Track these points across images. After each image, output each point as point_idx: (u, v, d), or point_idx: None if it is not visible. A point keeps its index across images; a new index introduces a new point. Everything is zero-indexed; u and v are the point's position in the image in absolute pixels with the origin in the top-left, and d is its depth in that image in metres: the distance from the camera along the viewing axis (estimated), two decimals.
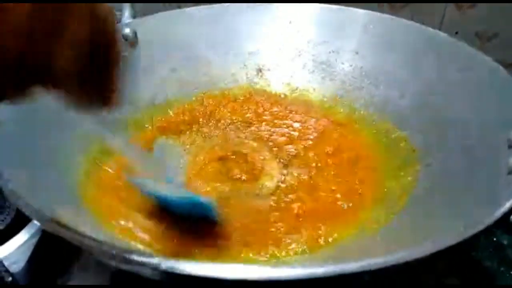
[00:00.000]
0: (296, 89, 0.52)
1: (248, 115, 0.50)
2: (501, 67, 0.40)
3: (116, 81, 0.23)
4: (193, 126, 0.48)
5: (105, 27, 0.21)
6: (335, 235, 0.35)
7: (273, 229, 0.36)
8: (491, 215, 0.27)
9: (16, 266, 0.39)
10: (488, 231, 0.41)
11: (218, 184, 0.40)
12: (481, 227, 0.26)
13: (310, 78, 0.52)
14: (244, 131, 0.48)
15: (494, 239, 0.42)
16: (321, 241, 0.34)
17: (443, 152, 0.39)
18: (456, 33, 0.65)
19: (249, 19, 0.53)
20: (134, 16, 0.51)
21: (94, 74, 0.22)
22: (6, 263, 0.39)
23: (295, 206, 0.38)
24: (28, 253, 0.40)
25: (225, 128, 0.48)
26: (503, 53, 0.53)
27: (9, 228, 0.42)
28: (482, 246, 0.41)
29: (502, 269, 0.39)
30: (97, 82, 0.22)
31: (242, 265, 0.22)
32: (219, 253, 0.34)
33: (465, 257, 0.40)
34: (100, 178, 0.40)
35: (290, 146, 0.45)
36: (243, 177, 0.41)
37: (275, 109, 0.50)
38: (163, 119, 0.49)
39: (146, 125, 0.48)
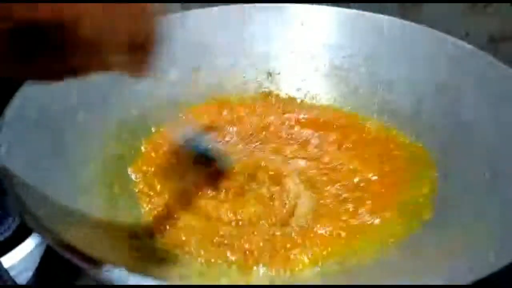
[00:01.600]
0: (308, 93, 0.51)
1: (257, 120, 0.48)
2: None
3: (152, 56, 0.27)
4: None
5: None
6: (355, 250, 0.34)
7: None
8: None
9: (23, 275, 0.39)
10: None
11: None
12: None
13: (322, 83, 0.51)
14: (253, 139, 0.46)
15: None
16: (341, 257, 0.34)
17: (462, 160, 0.39)
18: (467, 34, 0.63)
19: (261, 21, 0.52)
20: None
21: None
22: (12, 273, 0.39)
23: (310, 218, 0.37)
24: (36, 261, 0.39)
25: (233, 136, 0.46)
26: None
27: (15, 234, 0.41)
28: None
29: None
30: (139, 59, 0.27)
31: None
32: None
33: None
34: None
35: (302, 154, 0.44)
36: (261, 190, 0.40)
37: (285, 115, 0.49)
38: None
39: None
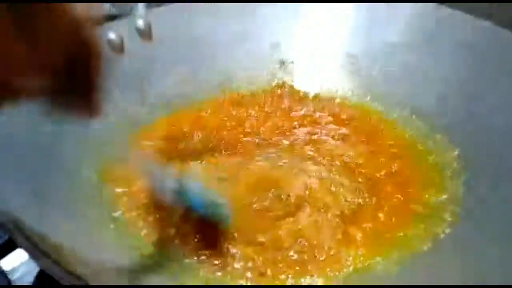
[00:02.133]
0: (323, 85, 0.48)
1: (271, 115, 0.45)
2: None
3: (95, 91, 0.23)
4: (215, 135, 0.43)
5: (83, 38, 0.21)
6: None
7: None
8: None
9: (25, 279, 0.37)
10: None
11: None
12: None
13: (338, 74, 0.48)
14: (269, 141, 0.43)
15: None
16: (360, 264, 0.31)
17: (491, 162, 0.36)
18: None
19: (273, 9, 0.50)
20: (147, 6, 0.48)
21: (73, 84, 0.22)
22: (14, 276, 0.37)
23: (332, 224, 0.34)
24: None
25: (247, 141, 0.43)
26: None
27: None
28: None
29: None
30: (75, 92, 0.23)
31: None
32: None
33: None
34: None
35: (320, 155, 0.40)
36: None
37: (299, 108, 0.46)
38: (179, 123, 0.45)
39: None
